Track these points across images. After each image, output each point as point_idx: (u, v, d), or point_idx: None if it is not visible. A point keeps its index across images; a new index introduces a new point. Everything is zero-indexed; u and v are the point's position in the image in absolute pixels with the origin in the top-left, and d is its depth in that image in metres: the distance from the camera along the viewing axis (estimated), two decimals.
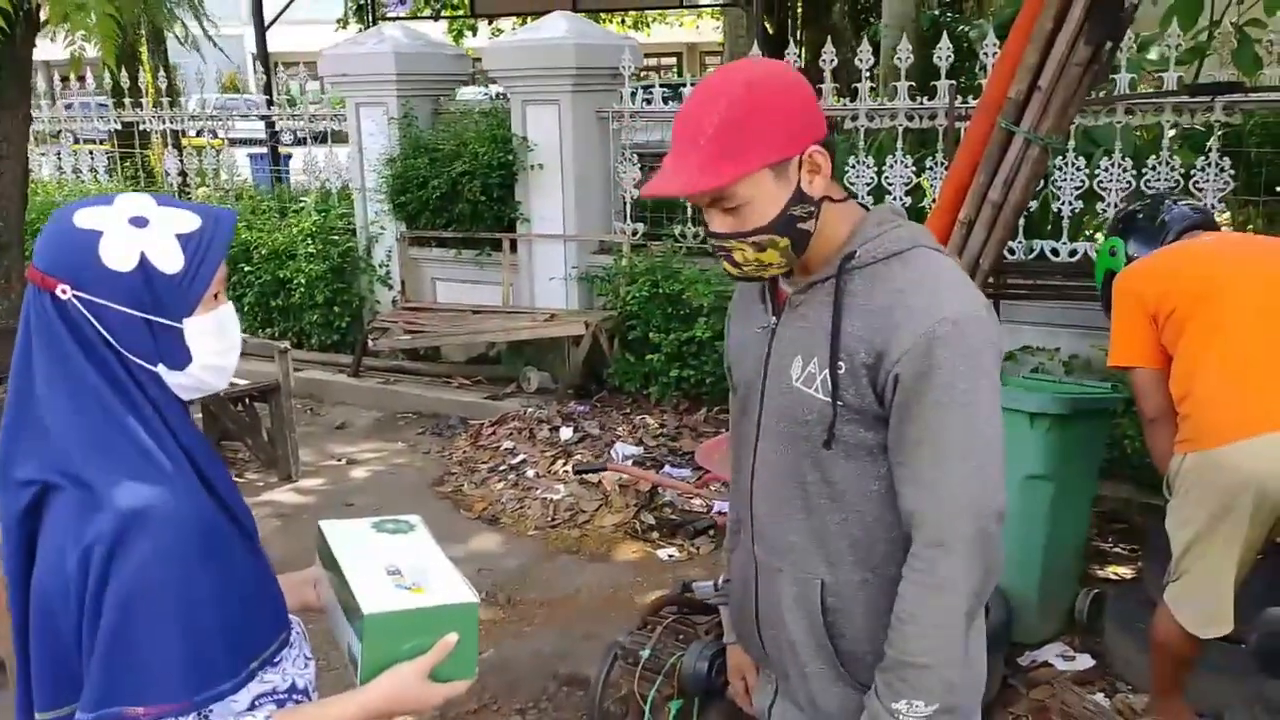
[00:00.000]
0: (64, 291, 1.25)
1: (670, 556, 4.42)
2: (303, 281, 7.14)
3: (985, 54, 5.19)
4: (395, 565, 1.43)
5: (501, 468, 5.31)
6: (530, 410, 5.95)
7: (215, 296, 1.35)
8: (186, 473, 1.29)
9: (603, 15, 14.08)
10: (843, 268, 1.48)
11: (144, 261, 1.27)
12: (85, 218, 1.28)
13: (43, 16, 4.69)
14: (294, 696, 1.39)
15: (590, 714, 2.37)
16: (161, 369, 1.31)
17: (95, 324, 1.26)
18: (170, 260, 1.29)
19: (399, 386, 6.79)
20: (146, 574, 1.22)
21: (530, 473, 5.19)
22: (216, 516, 1.31)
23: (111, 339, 1.27)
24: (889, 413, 1.45)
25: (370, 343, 6.58)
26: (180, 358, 1.32)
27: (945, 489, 1.42)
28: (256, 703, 1.34)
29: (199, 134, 8.47)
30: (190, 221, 1.31)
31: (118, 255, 1.26)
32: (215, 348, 1.35)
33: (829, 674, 1.59)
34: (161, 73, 8.71)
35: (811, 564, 1.56)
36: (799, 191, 1.46)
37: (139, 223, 1.28)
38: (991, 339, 1.44)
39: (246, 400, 5.40)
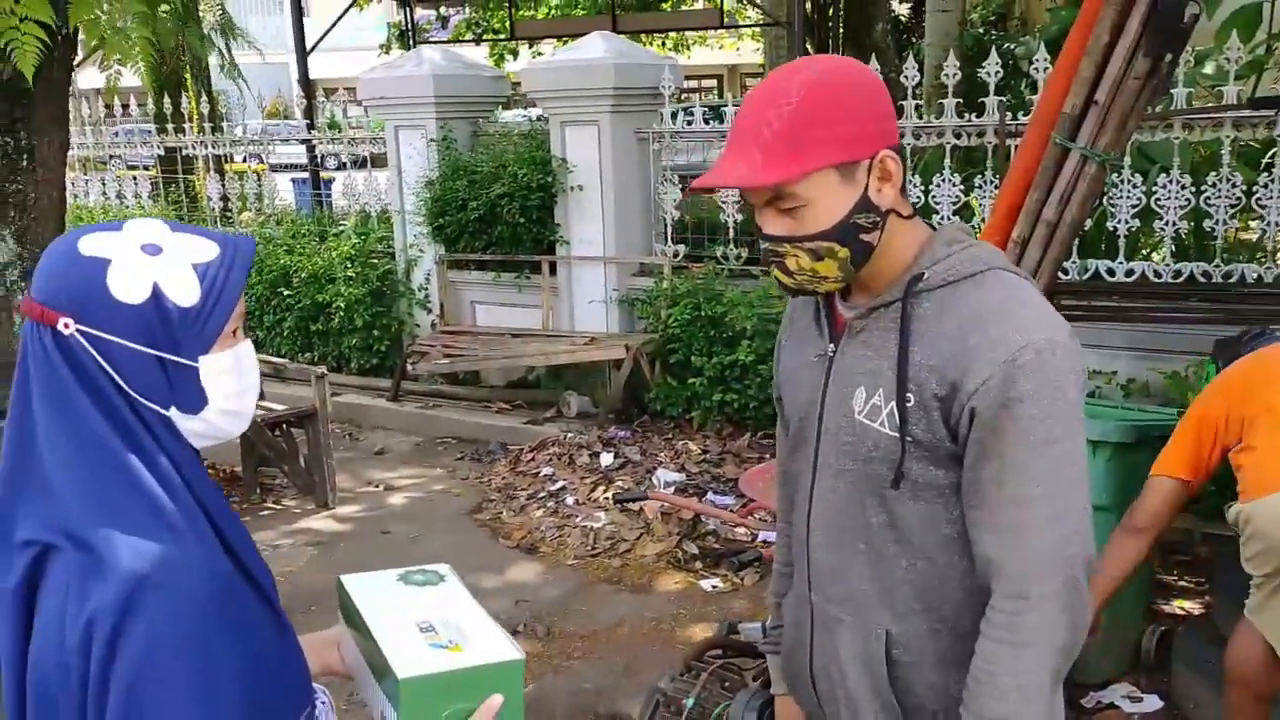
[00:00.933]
0: (67, 326, 1.13)
1: (714, 587, 4.29)
2: (342, 305, 7.12)
3: (1035, 70, 5.05)
4: (428, 621, 1.31)
5: (541, 495, 5.22)
6: (570, 435, 5.85)
7: (234, 333, 1.22)
8: (202, 531, 1.16)
9: (643, 37, 14.05)
10: (910, 290, 1.36)
11: (157, 293, 1.14)
12: (91, 244, 1.15)
13: (80, 41, 4.68)
14: None
15: None
16: (174, 413, 1.18)
17: (102, 362, 1.13)
18: (186, 292, 1.16)
19: (438, 411, 6.72)
20: (158, 649, 1.09)
21: (570, 500, 5.09)
22: (234, 580, 1.18)
23: (120, 379, 1.14)
24: (963, 449, 1.33)
25: (409, 367, 6.53)
26: (195, 400, 1.19)
27: (1028, 535, 1.29)
28: None
29: (243, 160, 8.53)
30: (207, 250, 1.19)
31: (128, 286, 1.14)
32: (233, 389, 1.22)
33: None
34: (204, 99, 8.75)
35: (875, 614, 1.44)
36: (865, 198, 1.34)
37: (151, 250, 1.16)
38: (1076, 368, 1.31)
39: (284, 426, 5.35)
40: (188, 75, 11.07)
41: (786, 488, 1.68)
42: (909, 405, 1.35)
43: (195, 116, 8.35)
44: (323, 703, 1.36)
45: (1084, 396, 1.34)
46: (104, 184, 9.26)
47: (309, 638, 1.42)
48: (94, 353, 1.14)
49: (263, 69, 16.92)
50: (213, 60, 9.64)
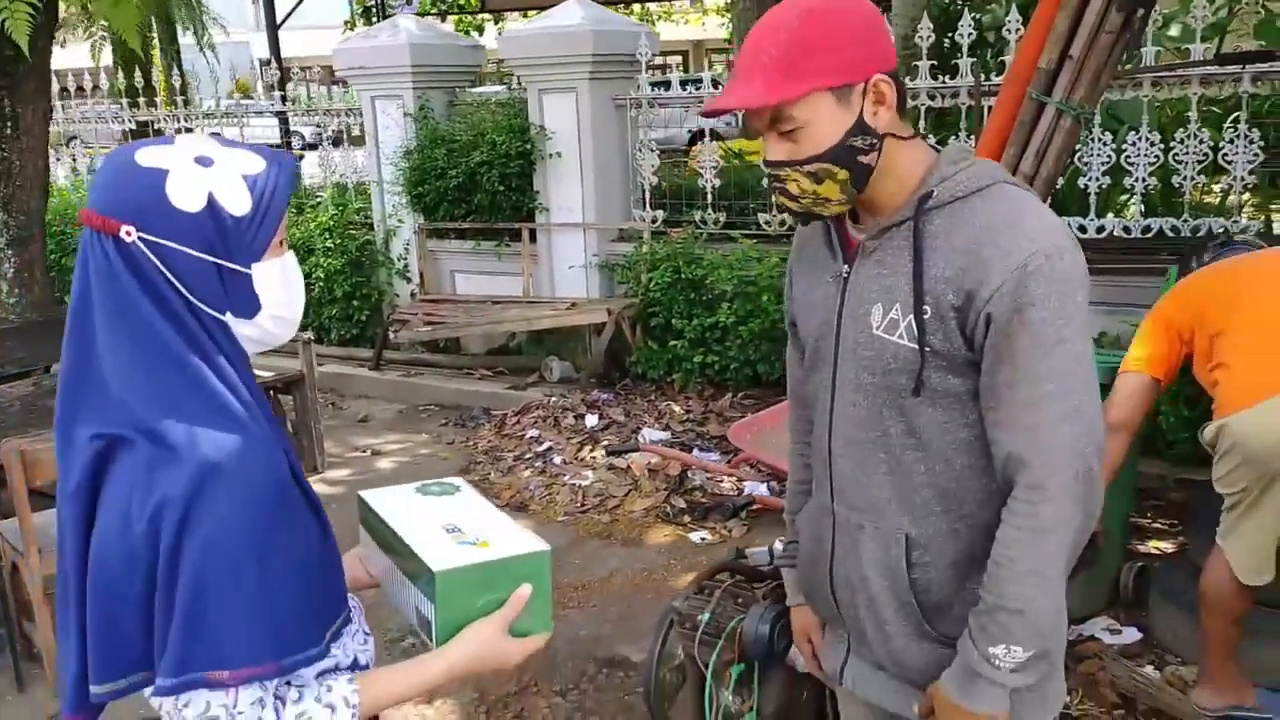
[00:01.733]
0: (129, 234, 1.17)
1: (703, 539, 4.39)
2: (321, 276, 7.13)
3: (1008, 32, 5.15)
4: (453, 524, 1.38)
5: (528, 456, 5.29)
6: (554, 399, 5.92)
7: (280, 243, 1.28)
8: (262, 425, 1.22)
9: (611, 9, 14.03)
10: (920, 208, 1.44)
11: (212, 202, 1.19)
12: (148, 156, 1.20)
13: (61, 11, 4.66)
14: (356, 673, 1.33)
15: (646, 683, 2.34)
16: (230, 318, 1.23)
17: (163, 269, 1.18)
18: (239, 201, 1.21)
19: (420, 379, 6.76)
20: (227, 530, 1.14)
21: (557, 460, 5.16)
22: (288, 478, 1.24)
23: (180, 285, 1.19)
24: (979, 356, 1.41)
25: (391, 335, 6.55)
26: (249, 306, 1.25)
27: (1045, 430, 1.37)
28: (324, 679, 1.26)
29: (214, 135, 8.46)
30: (255, 163, 1.24)
31: (186, 194, 1.18)
32: (282, 297, 1.28)
33: (912, 630, 1.54)
34: (176, 73, 8.69)
35: (896, 519, 1.52)
36: (861, 121, 1.41)
37: (204, 162, 1.20)
38: (1082, 272, 1.39)
39: (270, 392, 5.35)
40: (155, 51, 10.97)
41: (802, 409, 1.75)
42: (926, 317, 1.42)
43: (165, 89, 8.30)
44: (355, 608, 1.42)
45: (1088, 299, 1.41)
46: (74, 160, 9.17)
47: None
48: (155, 260, 1.18)
49: (224, 47, 16.77)
50: (183, 33, 9.56)
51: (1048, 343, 1.36)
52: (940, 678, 1.49)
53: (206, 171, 1.20)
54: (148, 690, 1.21)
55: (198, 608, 1.14)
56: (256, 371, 1.42)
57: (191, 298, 1.20)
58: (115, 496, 1.17)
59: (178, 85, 8.35)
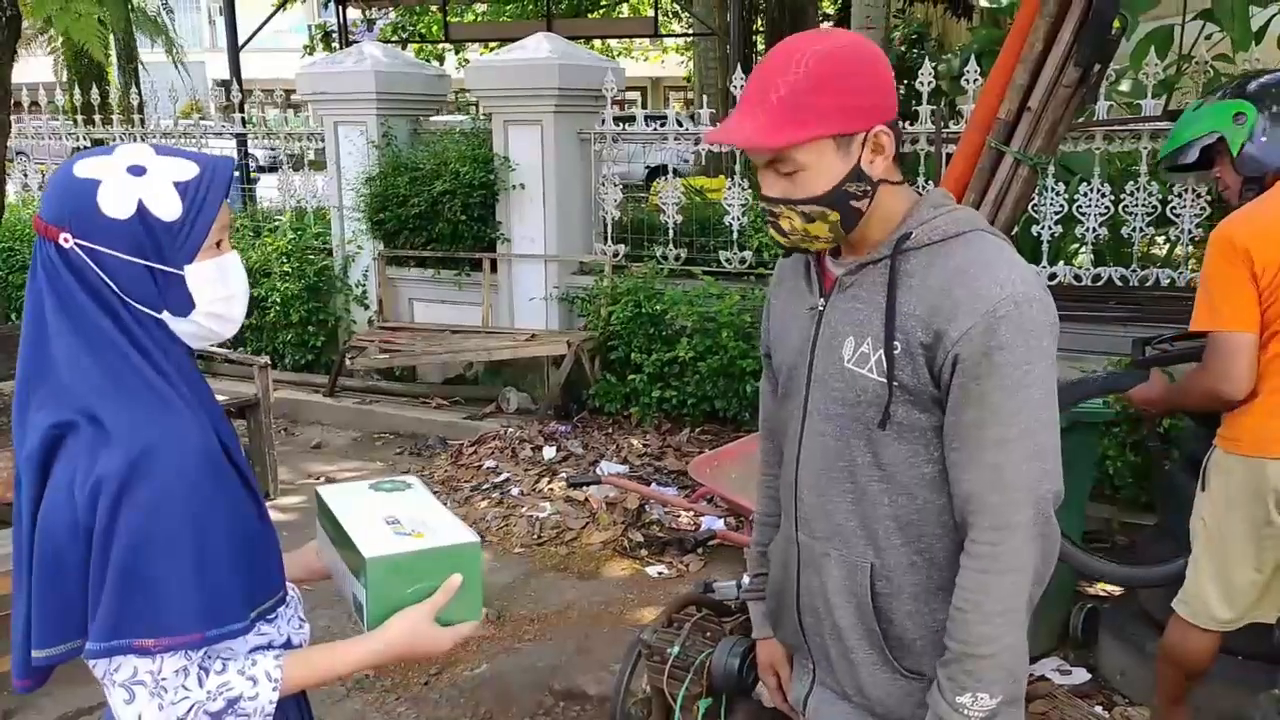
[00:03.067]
0: (66, 240, 1.27)
1: (660, 574, 4.39)
2: (278, 300, 7.06)
3: (967, 81, 5.28)
4: (394, 516, 1.45)
5: (485, 486, 5.26)
6: (511, 430, 5.90)
7: (218, 245, 1.36)
8: (197, 412, 1.30)
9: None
10: (898, 248, 1.48)
11: (141, 209, 1.28)
12: (85, 168, 1.29)
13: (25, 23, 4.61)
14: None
15: (611, 716, 2.33)
16: (166, 316, 1.32)
17: (99, 272, 1.27)
18: (168, 207, 1.29)
19: (376, 407, 6.71)
20: (159, 505, 1.22)
21: (515, 491, 5.14)
22: (224, 461, 1.31)
23: (115, 286, 1.28)
24: (944, 395, 1.45)
25: (348, 361, 6.50)
26: (184, 304, 1.33)
27: (1009, 469, 1.41)
28: (251, 655, 1.34)
29: (155, 144, 8.37)
30: (188, 170, 1.32)
31: (115, 203, 1.27)
32: (218, 294, 1.36)
33: (876, 659, 1.57)
34: (134, 90, 8.59)
35: (860, 547, 1.55)
36: (858, 168, 1.45)
37: (137, 171, 1.30)
38: (1052, 320, 1.44)
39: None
40: (110, 69, 10.84)
41: (772, 440, 1.79)
42: (896, 352, 1.46)
43: (122, 108, 8.20)
44: (293, 594, 1.49)
45: (1055, 348, 1.45)
46: (25, 176, 9.02)
47: (291, 554, 1.58)
48: (91, 264, 1.27)
49: (183, 66, 16.64)
50: (145, 47, 9.45)
51: (1014, 386, 1.40)
52: None
53: (137, 180, 1.29)
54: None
55: (129, 577, 1.22)
56: None
57: (127, 298, 1.29)
58: (61, 474, 1.26)
59: (135, 103, 8.24)
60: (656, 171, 6.47)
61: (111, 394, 1.25)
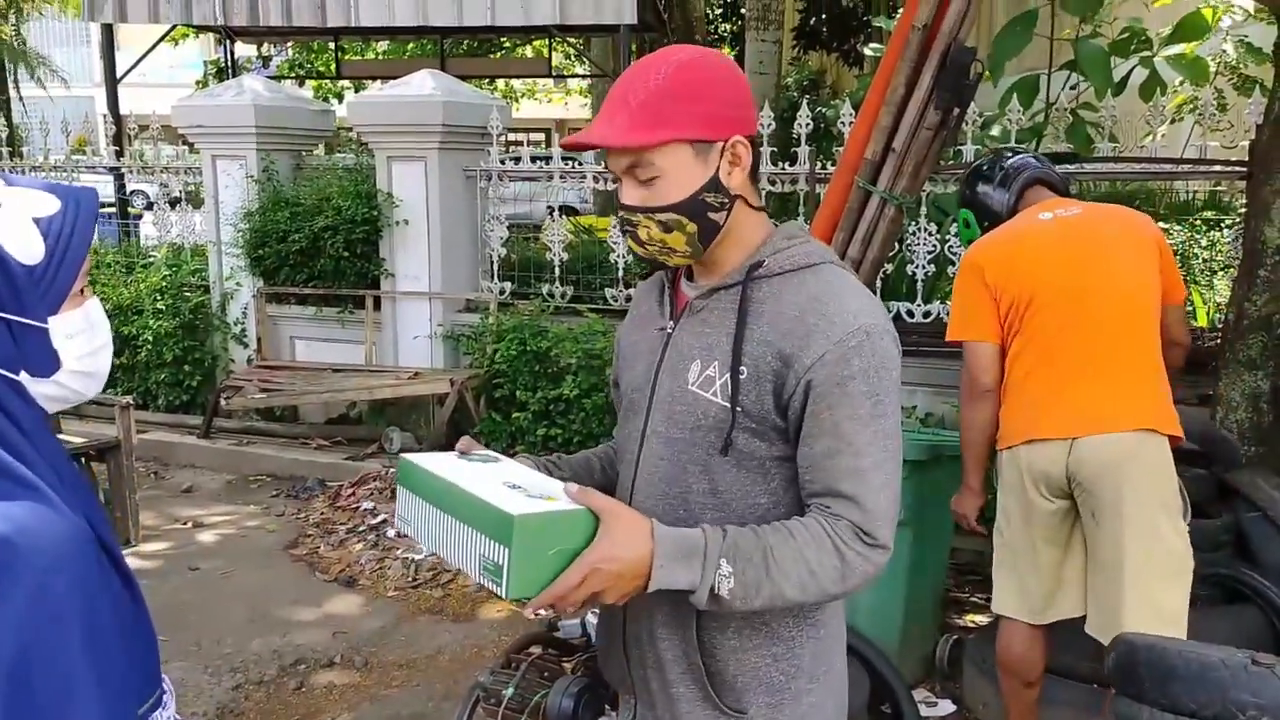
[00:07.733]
0: None
1: (537, 614, 4.30)
2: (150, 339, 6.82)
3: (843, 125, 5.40)
4: (513, 482, 1.41)
5: (361, 529, 5.13)
6: (392, 470, 5.77)
7: (81, 291, 1.17)
8: (61, 492, 1.10)
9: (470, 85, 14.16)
10: (750, 275, 1.48)
11: None
12: None
13: None
14: None
15: None
16: (25, 377, 1.11)
17: None
18: (29, 249, 1.09)
19: (253, 448, 6.51)
20: (23, 615, 1.00)
21: (391, 533, 5.02)
22: (93, 544, 1.11)
23: None
24: (788, 424, 1.44)
25: (223, 402, 6.30)
26: (47, 364, 1.13)
27: (867, 502, 1.41)
28: None
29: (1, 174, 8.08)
30: (48, 204, 1.12)
31: None
32: (85, 349, 1.18)
33: (696, 694, 1.54)
34: (2, 122, 8.29)
35: None
36: (716, 179, 1.45)
37: None
38: (898, 352, 1.46)
39: (83, 459, 5.06)
40: None
41: (615, 461, 1.75)
42: (742, 377, 1.45)
43: None
44: (168, 692, 1.30)
45: (900, 379, 1.46)
46: None
47: None
48: None
49: (66, 101, 16.14)
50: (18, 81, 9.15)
51: (867, 416, 1.40)
52: (660, 529, 1.39)
53: None
54: None
55: (19, 710, 1.01)
56: (66, 437, 1.29)
57: None
58: None
59: (4, 135, 7.94)
60: (564, 211, 6.45)
61: None
